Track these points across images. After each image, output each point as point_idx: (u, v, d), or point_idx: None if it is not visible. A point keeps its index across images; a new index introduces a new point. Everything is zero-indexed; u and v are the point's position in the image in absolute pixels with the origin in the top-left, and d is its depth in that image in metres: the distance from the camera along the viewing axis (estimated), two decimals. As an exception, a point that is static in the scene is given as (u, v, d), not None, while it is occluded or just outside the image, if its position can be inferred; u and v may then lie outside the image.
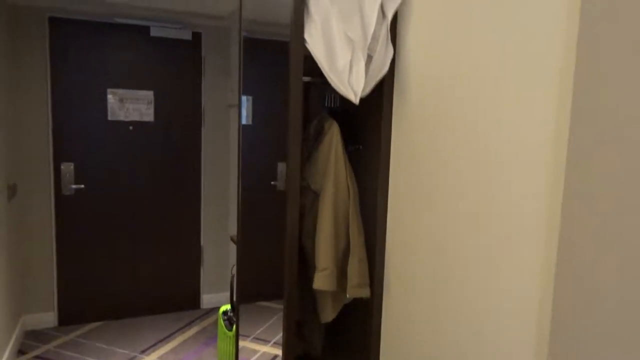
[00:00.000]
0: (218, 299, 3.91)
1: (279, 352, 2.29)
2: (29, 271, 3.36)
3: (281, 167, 2.49)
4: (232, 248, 3.75)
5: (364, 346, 1.75)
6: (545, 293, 1.01)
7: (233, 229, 3.68)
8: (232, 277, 2.38)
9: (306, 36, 1.44)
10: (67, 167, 3.37)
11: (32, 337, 3.26)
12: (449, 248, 1.35)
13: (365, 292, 1.61)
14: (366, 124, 1.69)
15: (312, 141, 1.71)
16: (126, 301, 3.62)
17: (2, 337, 2.78)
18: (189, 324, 3.56)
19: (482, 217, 1.23)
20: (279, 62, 2.31)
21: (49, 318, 3.44)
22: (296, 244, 1.52)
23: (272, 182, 2.41)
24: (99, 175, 3.46)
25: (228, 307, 2.51)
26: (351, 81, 1.45)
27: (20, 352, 3.07)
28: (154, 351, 3.13)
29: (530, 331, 1.06)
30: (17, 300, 3.21)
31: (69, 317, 3.48)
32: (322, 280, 1.56)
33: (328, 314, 1.71)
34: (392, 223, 1.62)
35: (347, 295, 1.59)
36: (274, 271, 2.43)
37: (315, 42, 1.43)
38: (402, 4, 1.49)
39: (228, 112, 3.78)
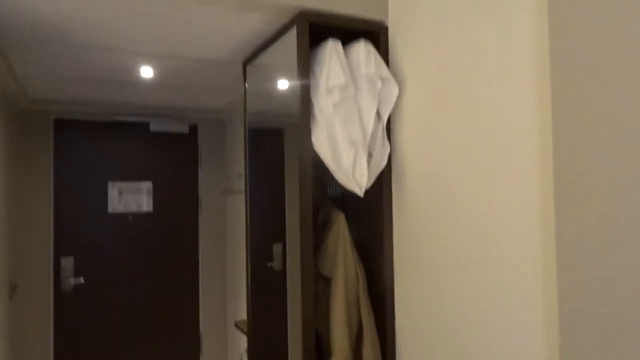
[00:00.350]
0: (218, 388, 3.83)
1: None
2: (25, 371, 3.28)
3: (276, 248, 2.60)
4: (231, 333, 3.74)
5: None
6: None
7: (232, 315, 3.69)
8: (242, 364, 2.40)
9: (313, 139, 1.63)
10: (67, 262, 3.41)
11: None
12: (457, 327, 1.45)
13: (378, 373, 1.68)
14: (369, 212, 1.84)
15: (320, 230, 1.84)
16: (124, 397, 3.52)
17: None
18: (189, 418, 3.46)
19: (483, 293, 1.35)
20: (273, 149, 2.51)
21: (43, 421, 3.31)
22: (313, 331, 1.61)
23: (269, 264, 2.51)
24: (98, 268, 3.49)
25: (236, 396, 2.50)
26: (355, 177, 1.61)
27: None
28: None
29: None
30: (13, 404, 3.11)
31: (64, 418, 3.36)
32: (338, 365, 1.63)
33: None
34: (399, 303, 1.72)
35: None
36: (279, 356, 2.46)
37: (321, 144, 1.61)
38: (394, 108, 1.70)
39: (224, 197, 3.92)
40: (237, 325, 2.70)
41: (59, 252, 3.40)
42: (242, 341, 3.35)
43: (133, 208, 3.61)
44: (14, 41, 1.97)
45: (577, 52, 1.05)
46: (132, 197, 3.61)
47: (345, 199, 1.99)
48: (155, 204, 3.68)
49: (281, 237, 2.58)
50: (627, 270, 0.99)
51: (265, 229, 2.44)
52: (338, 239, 1.74)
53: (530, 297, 1.20)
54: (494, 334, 1.32)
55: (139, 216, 3.63)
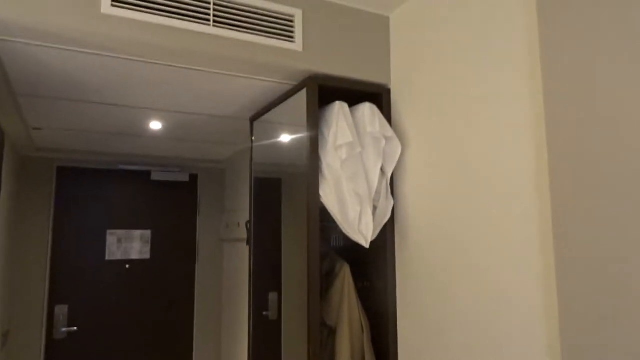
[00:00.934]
0: None
1: None
2: None
3: (272, 296, 2.64)
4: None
5: None
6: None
7: (227, 347, 3.65)
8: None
9: (321, 193, 1.72)
10: (61, 310, 3.38)
11: None
12: (461, 377, 1.50)
13: None
14: (373, 262, 1.91)
15: (324, 279, 1.90)
16: None
17: None
18: None
19: (490, 344, 1.41)
20: (272, 201, 2.60)
21: None
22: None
23: (264, 312, 2.53)
24: (92, 316, 3.46)
25: None
26: (361, 229, 1.70)
27: None
28: None
29: None
30: None
31: None
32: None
33: None
34: (403, 353, 1.76)
35: None
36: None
37: (329, 198, 1.70)
38: (397, 164, 1.81)
39: (221, 246, 3.96)
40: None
41: (54, 299, 3.38)
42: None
43: (131, 255, 3.63)
44: (29, 95, 2.07)
45: (570, 110, 1.17)
46: (130, 245, 3.63)
47: (348, 249, 2.06)
48: (153, 250, 3.70)
49: (277, 286, 2.63)
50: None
51: (261, 277, 2.48)
52: (343, 289, 1.80)
53: (537, 347, 1.27)
54: (498, 385, 1.37)
55: (136, 263, 3.64)
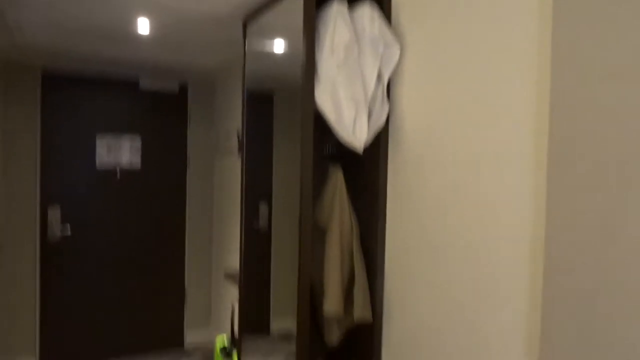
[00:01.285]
0: (201, 338, 3.97)
1: None
2: (12, 314, 3.34)
3: (262, 207, 2.71)
4: (215, 285, 3.87)
5: (366, 368, 1.94)
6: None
7: (217, 268, 3.81)
8: (232, 312, 2.52)
9: (316, 97, 1.71)
10: (54, 212, 3.44)
11: (15, 386, 3.22)
12: (445, 278, 1.59)
13: (368, 317, 1.82)
14: (365, 168, 1.95)
15: (316, 184, 1.94)
16: (109, 344, 3.63)
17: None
18: (175, 364, 3.61)
19: (469, 250, 1.49)
20: (265, 111, 2.58)
21: (30, 365, 3.40)
22: (309, 276, 1.73)
23: (254, 222, 2.62)
24: (85, 221, 3.53)
25: (223, 337, 2.64)
26: (356, 133, 1.71)
27: (5, 401, 3.03)
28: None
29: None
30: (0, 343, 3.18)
31: (50, 363, 3.46)
32: (331, 307, 1.76)
33: (334, 337, 1.89)
34: (389, 256, 1.86)
35: (355, 320, 1.79)
36: (262, 307, 2.61)
37: (324, 102, 1.70)
38: (395, 70, 1.79)
39: (212, 158, 3.97)
40: (226, 275, 2.81)
41: (46, 202, 3.42)
42: (230, 292, 3.48)
43: (122, 164, 3.64)
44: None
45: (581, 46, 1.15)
46: (120, 153, 3.63)
47: (341, 156, 2.09)
48: (143, 161, 3.71)
49: (267, 197, 2.69)
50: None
51: (252, 189, 2.53)
52: (335, 193, 1.85)
53: (520, 247, 1.34)
54: (485, 288, 1.46)
55: (127, 172, 3.66)
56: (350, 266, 1.85)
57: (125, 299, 3.66)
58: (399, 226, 1.81)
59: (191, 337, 3.95)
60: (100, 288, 3.57)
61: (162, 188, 3.77)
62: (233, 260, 3.50)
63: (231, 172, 3.57)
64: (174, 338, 3.86)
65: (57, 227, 3.43)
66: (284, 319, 2.51)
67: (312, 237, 1.81)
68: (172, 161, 3.81)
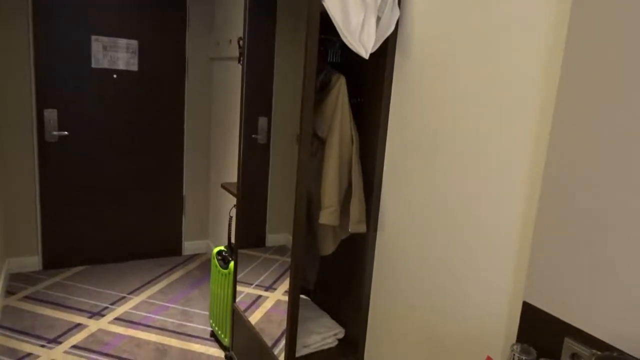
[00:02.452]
0: (199, 246, 4.08)
1: (261, 293, 2.53)
2: (12, 215, 3.40)
3: (261, 121, 2.65)
4: (213, 197, 3.91)
5: (358, 276, 2.00)
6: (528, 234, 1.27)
7: (215, 179, 3.83)
8: (230, 219, 2.56)
9: (323, -4, 1.60)
10: (50, 114, 3.38)
11: (19, 279, 3.35)
12: (440, 190, 1.58)
13: (362, 228, 1.84)
14: (368, 78, 1.88)
15: (318, 92, 1.88)
16: (109, 247, 3.74)
17: (-4, 276, 2.86)
18: (172, 269, 3.73)
19: (469, 158, 1.46)
20: (267, 15, 2.45)
21: (33, 262, 3.51)
22: (305, 185, 1.72)
23: (253, 136, 2.57)
24: (82, 122, 3.48)
25: (221, 248, 2.70)
26: (362, 39, 1.62)
27: (9, 292, 3.16)
28: (142, 292, 3.30)
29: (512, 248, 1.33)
30: (1, 243, 3.27)
31: (52, 261, 3.57)
32: (327, 216, 1.77)
33: (329, 247, 1.93)
34: (388, 167, 1.84)
35: (350, 230, 1.81)
36: (258, 221, 2.64)
37: (331, 3, 1.59)
38: (409, -29, 1.66)
39: (211, 65, 3.84)
40: (224, 186, 2.82)
41: (42, 103, 3.35)
42: (226, 202, 3.52)
43: (118, 65, 3.52)
44: None
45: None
46: (117, 54, 3.49)
47: (345, 65, 2.01)
48: (140, 63, 3.58)
49: (267, 111, 2.62)
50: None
51: (252, 101, 2.46)
52: (337, 102, 1.79)
53: (517, 162, 1.31)
54: (481, 202, 1.45)
55: (125, 74, 3.55)
56: (348, 178, 1.83)
57: (124, 204, 3.71)
58: (399, 140, 1.77)
59: (189, 247, 4.05)
60: (98, 190, 3.61)
61: (159, 93, 3.68)
62: (231, 172, 3.50)
63: (230, 81, 3.47)
64: (172, 246, 3.97)
65: (54, 130, 3.39)
66: (279, 235, 2.56)
67: (311, 147, 1.78)
68: (170, 65, 3.68)
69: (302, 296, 2.34)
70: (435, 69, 1.59)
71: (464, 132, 1.49)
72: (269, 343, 2.16)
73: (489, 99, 1.40)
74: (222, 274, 2.62)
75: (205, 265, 3.85)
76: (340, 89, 1.79)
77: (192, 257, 4.00)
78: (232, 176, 3.44)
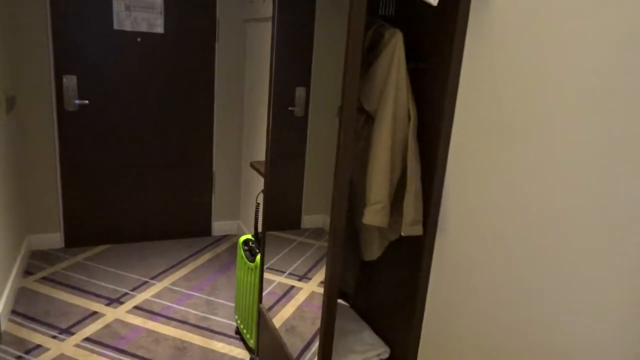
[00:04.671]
0: (229, 227, 3.79)
1: (294, 283, 2.17)
2: (33, 189, 3.18)
3: (299, 91, 2.25)
4: (245, 175, 3.57)
5: (409, 285, 1.61)
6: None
7: (247, 155, 3.48)
8: (257, 205, 2.20)
9: None
10: (70, 81, 3.10)
11: (39, 258, 3.15)
12: (527, 188, 1.15)
13: (419, 230, 1.43)
14: (432, 36, 1.43)
15: (366, 53, 1.45)
16: (133, 225, 3.49)
17: (8, 256, 2.64)
18: (200, 251, 3.46)
19: (571, 141, 1.02)
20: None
21: (54, 239, 3.31)
22: (348, 173, 1.32)
23: (290, 108, 2.18)
24: (104, 90, 3.19)
25: (248, 236, 2.36)
26: (430, -22, 1.18)
27: (27, 272, 2.96)
28: (165, 277, 3.04)
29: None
30: (21, 219, 3.06)
31: (75, 238, 3.36)
32: (373, 216, 1.37)
33: (374, 251, 1.54)
34: (454, 154, 1.41)
35: (402, 233, 1.41)
36: (292, 201, 2.27)
37: None
38: None
39: (244, 28, 3.45)
40: (252, 165, 2.45)
41: (61, 69, 3.07)
42: (258, 182, 3.17)
43: (142, 27, 3.18)
44: None
45: None
46: (141, 15, 3.15)
47: (400, 19, 1.57)
48: (167, 25, 3.23)
49: (306, 80, 2.21)
50: None
51: (288, 70, 2.07)
52: (391, 66, 1.36)
53: None
54: (585, 203, 1.02)
55: (149, 37, 3.21)
56: (402, 165, 1.42)
57: (149, 179, 3.43)
58: (472, 117, 1.34)
59: (219, 227, 3.76)
60: (122, 164, 3.34)
61: (187, 58, 3.33)
62: (263, 148, 3.15)
63: (265, 45, 3.06)
64: (202, 226, 3.68)
65: (75, 98, 3.11)
66: (316, 217, 2.18)
67: (356, 124, 1.37)
68: (199, 27, 3.31)
69: (340, 301, 1.98)
70: (526, 20, 1.14)
71: (564, 109, 1.04)
72: (300, 346, 1.82)
73: (604, 65, 0.94)
74: (248, 267, 2.28)
75: (235, 247, 3.55)
76: (395, 48, 1.36)
77: (221, 239, 3.71)
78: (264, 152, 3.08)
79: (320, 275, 2.16)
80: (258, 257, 2.18)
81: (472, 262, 1.36)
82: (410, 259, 1.59)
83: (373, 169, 1.38)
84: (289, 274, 2.25)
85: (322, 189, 2.01)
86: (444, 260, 1.48)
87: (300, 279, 2.21)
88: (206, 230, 3.73)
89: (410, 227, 1.41)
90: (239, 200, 3.77)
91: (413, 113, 1.40)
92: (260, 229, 2.22)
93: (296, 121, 2.27)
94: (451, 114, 1.41)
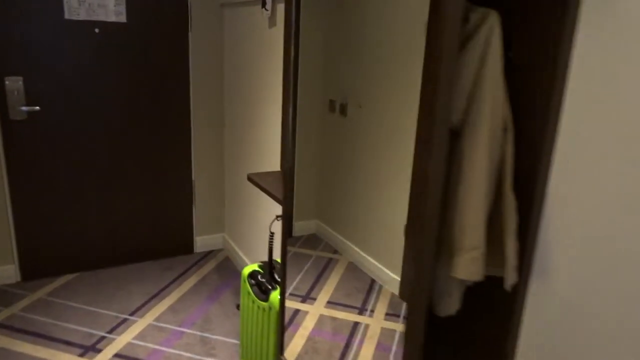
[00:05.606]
0: (214, 241, 3.35)
1: (298, 305, 1.81)
2: (-24, 217, 2.64)
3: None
4: (229, 181, 3.13)
5: (493, 332, 1.26)
6: None
7: (230, 160, 3.04)
8: (272, 236, 1.79)
9: None
10: (14, 83, 2.56)
11: (-10, 298, 2.63)
12: None
13: (516, 276, 1.08)
14: (528, 20, 1.07)
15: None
16: (103, 247, 3.00)
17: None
18: (183, 274, 3.01)
19: None
20: None
21: (9, 272, 2.78)
22: (436, 219, 0.94)
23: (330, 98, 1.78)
24: (58, 93, 2.66)
25: (254, 267, 1.95)
26: None
27: (-23, 318, 2.44)
28: (147, 311, 2.58)
29: None
30: (-35, 255, 2.53)
31: (33, 270, 2.84)
32: (469, 266, 1.01)
33: (452, 304, 1.18)
34: (558, 174, 1.06)
35: (506, 287, 1.06)
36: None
37: None
38: None
39: (221, 12, 2.98)
40: (253, 180, 2.03)
41: (2, 70, 2.52)
42: (245, 188, 2.73)
43: (100, 16, 2.66)
44: None
45: None
46: (97, 1, 2.63)
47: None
48: (130, 12, 2.72)
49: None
50: None
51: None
52: (485, 61, 0.99)
53: None
54: None
55: (109, 27, 2.70)
56: (498, 192, 1.06)
57: (118, 193, 2.94)
58: (586, 126, 0.99)
59: (202, 243, 3.31)
60: (85, 178, 2.83)
61: (156, 51, 2.84)
62: (255, 153, 2.72)
63: (253, 34, 2.62)
64: (182, 243, 3.23)
65: (22, 104, 2.57)
66: (308, 223, 1.80)
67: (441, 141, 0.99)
68: (169, 13, 2.82)
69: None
70: None
71: None
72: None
73: None
74: (258, 307, 1.89)
75: (223, 266, 3.12)
76: (491, 35, 0.98)
77: (206, 256, 3.27)
78: (259, 160, 2.66)
79: (325, 294, 1.79)
80: (273, 295, 1.79)
81: (586, 319, 1.02)
82: (493, 302, 1.24)
83: (466, 203, 1.01)
84: (290, 294, 1.87)
85: (311, 192, 1.63)
86: (543, 311, 1.14)
87: (303, 299, 1.84)
88: (187, 247, 3.27)
89: (513, 273, 1.05)
90: (223, 210, 3.33)
91: (511, 124, 1.04)
92: (275, 260, 1.81)
93: (334, 120, 1.85)
94: (556, 120, 1.06)
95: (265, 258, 2.58)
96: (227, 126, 3.11)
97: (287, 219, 1.55)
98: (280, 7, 2.19)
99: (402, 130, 1.16)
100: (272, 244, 1.80)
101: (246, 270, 1.96)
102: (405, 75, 1.14)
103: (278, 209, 2.35)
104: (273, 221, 1.80)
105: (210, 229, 3.32)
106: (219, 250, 3.35)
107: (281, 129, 1.65)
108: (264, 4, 2.30)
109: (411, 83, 1.09)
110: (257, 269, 1.94)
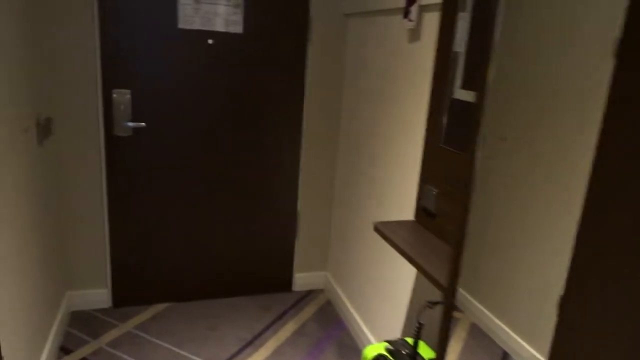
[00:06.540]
0: (315, 280, 2.97)
1: None
2: (73, 236, 2.48)
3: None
4: (336, 213, 2.73)
5: None
6: None
7: (341, 193, 2.63)
8: (420, 327, 1.33)
9: None
10: (122, 97, 2.36)
11: (80, 324, 2.44)
12: None
13: None
14: None
15: None
16: (197, 277, 2.73)
17: (41, 320, 1.93)
18: (280, 317, 2.64)
19: None
20: None
21: (102, 297, 2.60)
22: None
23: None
24: (164, 108, 2.44)
25: (380, 349, 1.50)
26: None
27: (64, 349, 2.25)
28: (240, 363, 2.24)
29: None
30: (59, 273, 2.36)
31: (125, 296, 2.63)
32: None
33: None
34: None
35: None
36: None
37: None
38: None
39: (345, 23, 2.60)
40: (381, 231, 1.59)
41: (110, 82, 2.34)
42: (353, 225, 2.29)
43: (215, 26, 2.40)
44: None
45: None
46: (213, 10, 2.37)
47: None
48: (246, 22, 2.44)
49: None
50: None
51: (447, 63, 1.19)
52: None
53: None
54: None
55: (224, 38, 2.43)
56: None
57: (215, 218, 2.66)
58: None
59: (301, 281, 2.94)
60: (184, 202, 2.58)
61: (272, 65, 2.53)
62: (379, 191, 2.29)
63: (387, 51, 2.21)
64: (280, 280, 2.88)
65: (127, 119, 2.37)
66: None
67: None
68: (287, 24, 2.50)
69: None
70: None
71: None
72: None
73: None
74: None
75: (325, 311, 2.72)
76: None
77: (305, 297, 2.89)
78: (380, 203, 2.23)
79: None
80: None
81: None
82: None
83: None
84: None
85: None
86: None
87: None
88: (286, 285, 2.92)
89: None
90: (328, 246, 2.94)
91: None
92: (406, 340, 1.35)
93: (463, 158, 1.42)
94: None
95: (378, 314, 2.13)
96: (340, 152, 2.72)
97: (448, 312, 1.09)
98: (430, 17, 1.75)
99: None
100: (418, 337, 1.34)
101: (369, 353, 1.51)
102: None
103: (402, 263, 1.89)
104: (423, 309, 1.35)
105: (312, 266, 2.94)
106: (320, 291, 2.96)
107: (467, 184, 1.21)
108: (406, 14, 1.87)
109: None
110: (385, 353, 1.49)
